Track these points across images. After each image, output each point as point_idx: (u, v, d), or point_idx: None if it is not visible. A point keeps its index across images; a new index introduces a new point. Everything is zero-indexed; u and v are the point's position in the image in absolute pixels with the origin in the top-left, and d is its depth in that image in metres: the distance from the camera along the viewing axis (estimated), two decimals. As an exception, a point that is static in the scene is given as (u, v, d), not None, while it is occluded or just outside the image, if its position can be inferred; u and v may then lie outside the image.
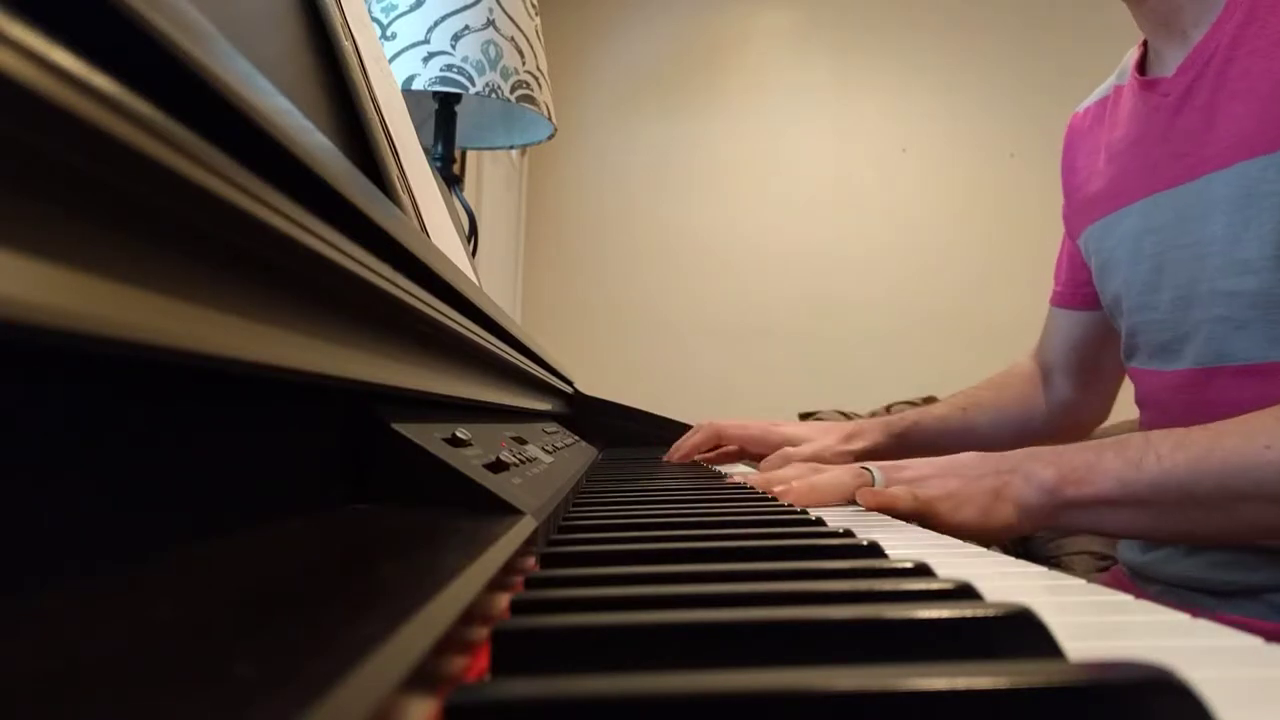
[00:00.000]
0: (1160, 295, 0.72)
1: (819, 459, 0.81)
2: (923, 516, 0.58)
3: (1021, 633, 0.21)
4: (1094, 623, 0.27)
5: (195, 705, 0.11)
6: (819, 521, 0.46)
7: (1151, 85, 0.74)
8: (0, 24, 0.11)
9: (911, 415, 0.95)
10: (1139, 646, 0.24)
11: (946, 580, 0.26)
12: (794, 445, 0.89)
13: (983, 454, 0.63)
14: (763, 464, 0.87)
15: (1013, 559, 0.38)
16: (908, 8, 2.97)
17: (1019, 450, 0.61)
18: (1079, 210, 0.85)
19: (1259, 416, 0.57)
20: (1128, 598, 0.29)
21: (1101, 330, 0.89)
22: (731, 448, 0.99)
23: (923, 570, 0.30)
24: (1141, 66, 0.78)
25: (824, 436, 0.91)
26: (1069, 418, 0.96)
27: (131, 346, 0.15)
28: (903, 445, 0.91)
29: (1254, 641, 0.23)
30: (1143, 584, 0.76)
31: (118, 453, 0.19)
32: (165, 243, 0.16)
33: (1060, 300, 0.95)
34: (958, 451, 0.65)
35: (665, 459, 1.00)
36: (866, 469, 0.63)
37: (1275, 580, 0.65)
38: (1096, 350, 0.92)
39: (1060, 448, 0.61)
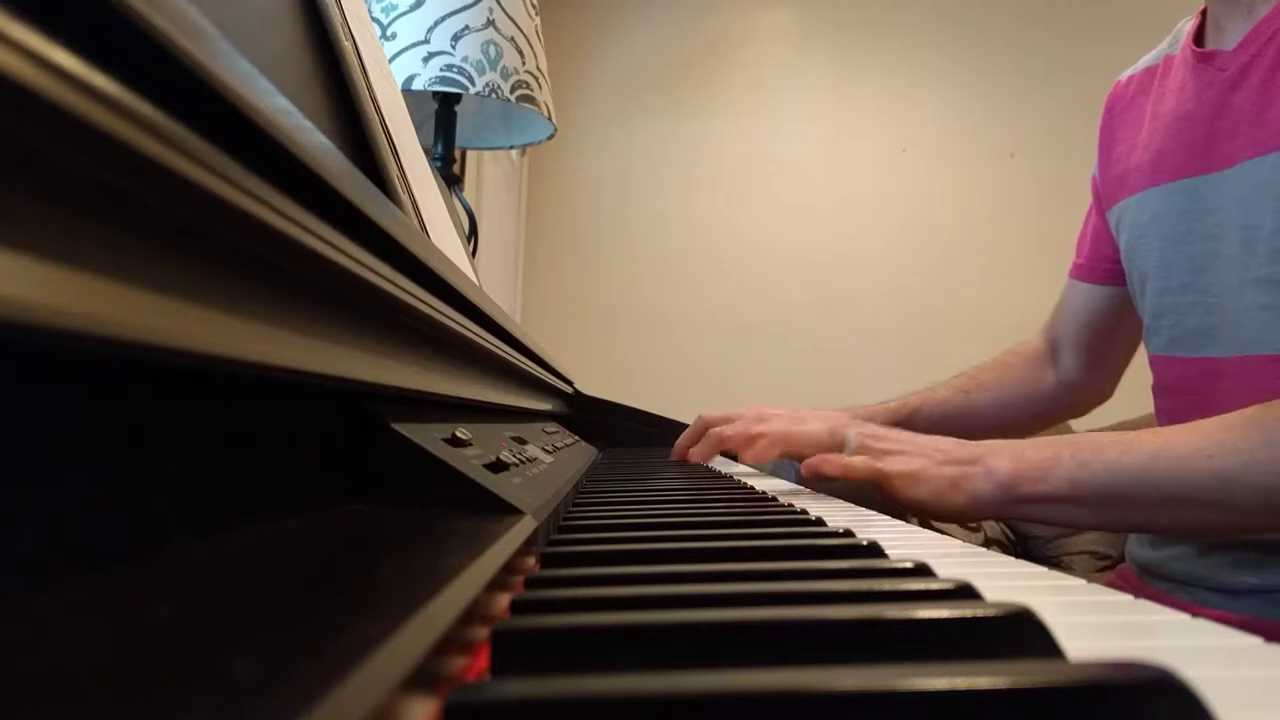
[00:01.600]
0: (1201, 279, 0.70)
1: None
2: (877, 487, 0.64)
3: (1021, 633, 0.21)
4: (1094, 623, 0.27)
5: (195, 705, 0.11)
6: (819, 521, 0.46)
7: (1208, 58, 0.71)
8: (0, 24, 0.11)
9: (914, 401, 0.94)
10: (1139, 646, 0.24)
11: (946, 580, 0.26)
12: None
13: (960, 441, 0.66)
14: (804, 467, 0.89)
15: (1012, 559, 0.38)
16: (908, 8, 2.97)
17: (986, 443, 0.65)
18: (1114, 182, 0.83)
19: (1208, 424, 0.59)
20: (1128, 597, 0.29)
21: (1119, 307, 0.87)
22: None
23: (923, 570, 0.30)
24: (1199, 37, 0.75)
25: (823, 423, 0.90)
26: (1073, 396, 0.96)
27: (131, 346, 0.15)
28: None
29: (1254, 641, 0.23)
30: (1152, 581, 0.76)
31: (117, 453, 0.19)
32: (165, 243, 0.16)
33: (1080, 273, 0.93)
34: (960, 433, 0.69)
35: (673, 456, 1.00)
36: (843, 430, 0.68)
37: None
38: (1110, 328, 0.90)
39: (1022, 443, 0.64)
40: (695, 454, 0.90)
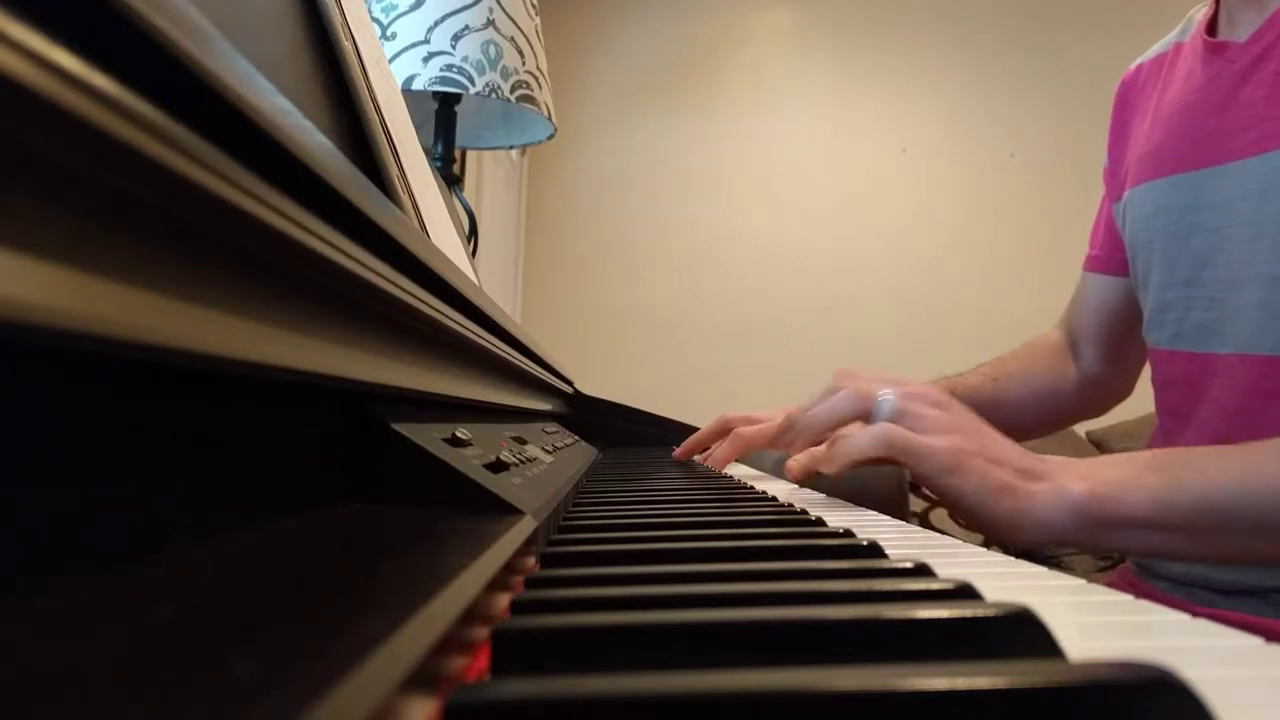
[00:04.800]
0: (1206, 274, 0.68)
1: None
2: (903, 461, 0.54)
3: (1021, 633, 0.21)
4: (1094, 622, 0.27)
5: (195, 705, 0.11)
6: (819, 521, 0.46)
7: (1219, 49, 0.70)
8: (0, 24, 0.11)
9: (943, 384, 0.89)
10: (1139, 646, 0.24)
11: (946, 580, 0.26)
12: None
13: (1025, 450, 0.57)
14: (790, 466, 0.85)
15: (1013, 559, 0.38)
16: (908, 8, 2.97)
17: (1054, 458, 0.56)
18: (1121, 173, 0.81)
19: None
20: (1128, 597, 0.29)
21: (1135, 299, 0.84)
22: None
23: (923, 570, 0.30)
24: (1211, 27, 0.73)
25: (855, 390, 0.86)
26: (1095, 391, 0.93)
27: (131, 346, 0.15)
28: None
29: (1254, 641, 0.23)
30: (1149, 580, 0.75)
31: (117, 452, 0.19)
32: (165, 243, 0.16)
33: (1095, 265, 0.90)
34: (989, 424, 0.58)
35: (679, 453, 0.97)
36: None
37: None
38: (1128, 320, 0.87)
39: (1094, 460, 0.56)
40: (718, 458, 0.85)
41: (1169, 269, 0.72)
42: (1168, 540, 0.53)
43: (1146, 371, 0.80)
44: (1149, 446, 0.73)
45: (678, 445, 1.10)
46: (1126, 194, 0.79)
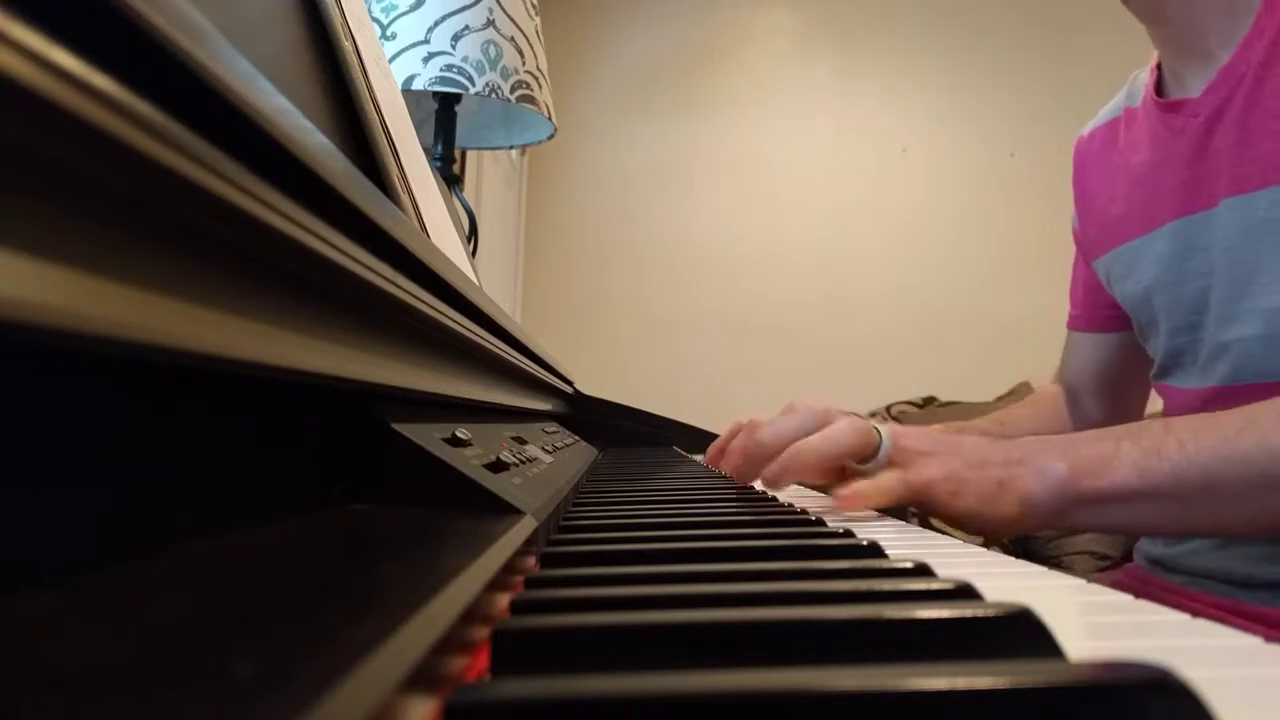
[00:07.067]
0: (1206, 315, 0.70)
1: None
2: (918, 504, 0.55)
3: (1021, 633, 0.21)
4: (1094, 622, 0.27)
5: (195, 705, 0.11)
6: (819, 521, 0.46)
7: (1174, 107, 0.73)
8: (0, 24, 0.11)
9: (954, 428, 0.90)
10: (1139, 646, 0.24)
11: (946, 580, 0.26)
12: None
13: (991, 439, 0.58)
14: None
15: (1013, 559, 0.38)
16: (908, 8, 2.97)
17: (1029, 439, 0.57)
18: (1099, 235, 0.84)
19: None
20: (1128, 597, 0.29)
21: (1128, 350, 0.87)
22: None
23: (923, 570, 0.30)
24: (1158, 89, 0.76)
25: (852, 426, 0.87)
26: None
27: (131, 346, 0.15)
28: None
29: (1254, 641, 0.23)
30: (1163, 574, 0.75)
31: (117, 452, 0.19)
32: (165, 242, 0.16)
33: (1079, 324, 0.93)
34: None
35: (706, 462, 0.95)
36: (876, 429, 0.58)
37: None
38: (1122, 370, 0.90)
39: (1072, 436, 0.57)
40: (770, 478, 0.82)
41: (1171, 318, 0.74)
42: (1158, 513, 0.53)
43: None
44: None
45: (678, 445, 1.10)
46: (1110, 253, 0.81)
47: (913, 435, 0.59)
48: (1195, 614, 0.26)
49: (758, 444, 0.61)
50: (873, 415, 2.35)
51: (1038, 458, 0.54)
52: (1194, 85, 0.71)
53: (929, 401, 2.51)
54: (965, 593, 0.25)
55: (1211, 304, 0.69)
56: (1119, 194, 0.80)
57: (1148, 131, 0.77)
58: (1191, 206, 0.70)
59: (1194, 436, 0.53)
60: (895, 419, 2.37)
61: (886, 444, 0.58)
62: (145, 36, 0.15)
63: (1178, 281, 0.73)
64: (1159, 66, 0.77)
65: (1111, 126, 0.85)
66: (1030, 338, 2.48)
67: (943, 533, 0.51)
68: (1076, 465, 0.54)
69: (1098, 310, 0.90)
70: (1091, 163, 0.87)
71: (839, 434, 0.58)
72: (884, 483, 0.55)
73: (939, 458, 0.56)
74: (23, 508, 0.16)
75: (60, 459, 0.17)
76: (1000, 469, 0.54)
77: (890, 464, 0.58)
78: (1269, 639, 0.22)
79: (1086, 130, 0.89)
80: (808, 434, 0.60)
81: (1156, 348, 0.78)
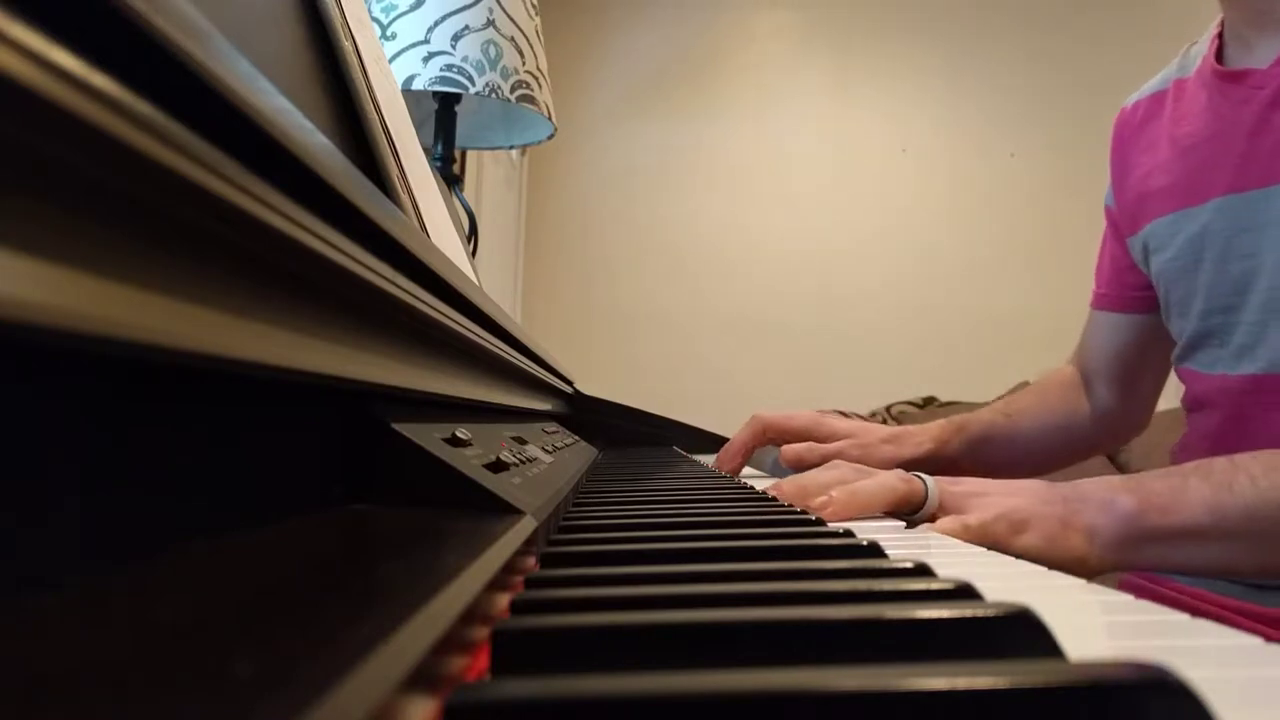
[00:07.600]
0: (1247, 297, 0.68)
1: (866, 462, 0.70)
2: (981, 544, 0.51)
3: (1021, 633, 0.21)
4: (1094, 622, 0.27)
5: (195, 705, 0.11)
6: (819, 521, 0.46)
7: (1238, 77, 0.70)
8: (0, 24, 0.11)
9: (957, 420, 0.89)
10: (1139, 646, 0.24)
11: (946, 580, 0.26)
12: (840, 439, 0.83)
13: (1049, 482, 0.56)
14: (785, 451, 0.81)
15: (1013, 559, 0.38)
16: (908, 9, 2.97)
17: (1091, 479, 0.55)
18: (1134, 207, 0.81)
19: None
20: (1128, 597, 0.29)
21: (1147, 334, 0.86)
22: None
23: (923, 570, 0.30)
24: (1218, 57, 0.74)
25: (867, 434, 0.85)
26: (1110, 425, 0.93)
27: (130, 346, 0.15)
28: (949, 450, 0.86)
29: (1254, 641, 0.23)
30: (1167, 573, 0.74)
31: (117, 452, 0.19)
32: (165, 242, 0.16)
33: (1103, 303, 0.91)
34: (1003, 457, 0.57)
35: (716, 465, 0.91)
36: (919, 477, 0.55)
37: None
38: (1141, 355, 0.88)
39: (1138, 475, 0.55)
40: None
41: (1209, 296, 0.72)
42: (1226, 550, 0.52)
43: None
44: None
45: (678, 445, 1.09)
46: (1147, 227, 0.79)
47: (962, 480, 0.57)
48: (1195, 614, 0.26)
49: (800, 488, 0.58)
50: (873, 415, 2.35)
51: (1102, 492, 0.53)
52: (1263, 55, 0.68)
53: (929, 401, 2.51)
54: (965, 593, 0.25)
55: (1255, 287, 0.67)
56: (1162, 165, 0.78)
57: (1203, 102, 0.74)
58: (1245, 183, 0.68)
59: (1265, 473, 0.51)
60: (895, 419, 2.37)
61: (934, 493, 0.55)
62: (145, 36, 0.15)
63: (1221, 259, 0.70)
64: (1220, 35, 0.74)
65: (1157, 98, 0.82)
66: (1031, 338, 2.48)
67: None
68: (1144, 500, 0.52)
69: (1124, 290, 0.87)
70: (1133, 135, 0.84)
71: (890, 478, 0.56)
72: (943, 526, 0.53)
73: (992, 497, 0.54)
74: (23, 507, 0.16)
75: (60, 459, 0.17)
76: (1062, 505, 0.52)
77: (941, 509, 0.55)
78: (1269, 639, 0.22)
79: (1130, 101, 0.86)
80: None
81: (1184, 328, 0.76)
